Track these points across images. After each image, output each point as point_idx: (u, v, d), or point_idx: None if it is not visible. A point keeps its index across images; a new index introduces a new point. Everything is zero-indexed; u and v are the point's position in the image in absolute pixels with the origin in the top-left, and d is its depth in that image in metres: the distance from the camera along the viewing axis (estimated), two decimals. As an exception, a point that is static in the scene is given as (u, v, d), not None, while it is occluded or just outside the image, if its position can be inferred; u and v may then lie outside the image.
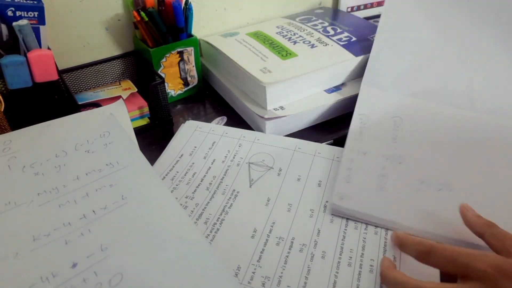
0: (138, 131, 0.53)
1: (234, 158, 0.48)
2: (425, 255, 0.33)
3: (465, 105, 0.50)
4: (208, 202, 0.42)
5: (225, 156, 0.48)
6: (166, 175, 0.46)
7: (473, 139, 0.46)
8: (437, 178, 0.42)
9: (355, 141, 0.47)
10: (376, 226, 0.39)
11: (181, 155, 0.49)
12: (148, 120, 0.56)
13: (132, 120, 0.51)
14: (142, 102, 0.56)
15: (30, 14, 0.46)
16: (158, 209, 0.37)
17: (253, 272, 0.35)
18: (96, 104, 0.53)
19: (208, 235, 0.38)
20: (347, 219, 0.40)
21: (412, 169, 0.43)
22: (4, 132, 0.45)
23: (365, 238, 0.38)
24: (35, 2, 0.46)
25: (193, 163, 0.47)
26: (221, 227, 0.39)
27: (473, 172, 0.43)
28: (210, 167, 0.47)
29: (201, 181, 0.45)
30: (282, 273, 0.35)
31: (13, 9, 0.44)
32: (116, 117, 0.48)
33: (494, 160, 0.44)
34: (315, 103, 0.53)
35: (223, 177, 0.45)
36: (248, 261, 0.36)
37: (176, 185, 0.45)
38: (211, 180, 0.45)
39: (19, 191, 0.38)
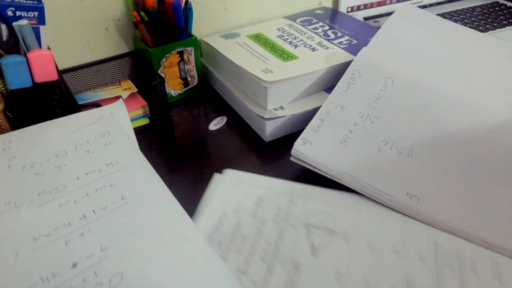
0: (138, 131, 0.53)
1: (286, 217, 0.40)
2: None
3: (460, 88, 0.49)
4: (267, 278, 0.35)
5: (276, 214, 0.41)
6: (210, 237, 0.38)
7: (448, 119, 0.46)
8: (401, 143, 0.44)
9: (339, 95, 0.48)
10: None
11: (223, 212, 0.41)
12: (148, 120, 0.56)
13: (132, 120, 0.51)
14: (142, 102, 0.56)
15: (30, 14, 0.45)
16: (158, 209, 0.37)
17: None
18: (96, 104, 0.53)
19: None
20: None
21: (381, 129, 0.45)
22: (4, 132, 0.45)
23: None
24: (35, 2, 0.46)
25: (239, 223, 0.40)
26: None
27: (436, 144, 0.43)
28: (260, 228, 0.39)
29: (253, 247, 0.38)
30: None
31: (13, 9, 0.44)
32: (116, 117, 0.48)
33: (461, 141, 0.44)
34: (315, 103, 0.53)
35: (278, 242, 0.38)
36: None
37: (224, 252, 0.37)
38: (265, 247, 0.37)
39: (19, 191, 0.38)
